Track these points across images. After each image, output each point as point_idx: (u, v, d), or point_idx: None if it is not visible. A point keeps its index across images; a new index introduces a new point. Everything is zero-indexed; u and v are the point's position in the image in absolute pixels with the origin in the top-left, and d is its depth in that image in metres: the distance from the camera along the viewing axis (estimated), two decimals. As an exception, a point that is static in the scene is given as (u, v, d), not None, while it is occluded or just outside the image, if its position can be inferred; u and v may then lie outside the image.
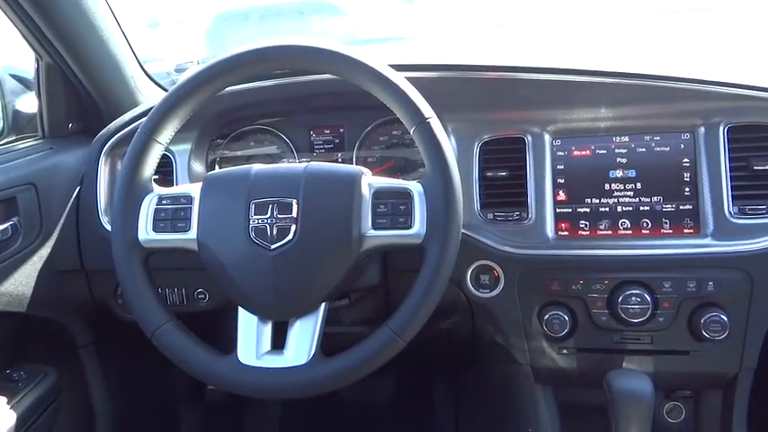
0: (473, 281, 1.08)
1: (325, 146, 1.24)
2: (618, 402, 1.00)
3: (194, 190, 0.93)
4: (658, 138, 1.07)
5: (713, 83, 1.07)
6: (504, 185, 1.09)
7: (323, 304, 0.88)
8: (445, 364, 1.57)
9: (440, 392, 1.68)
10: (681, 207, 1.05)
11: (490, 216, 1.09)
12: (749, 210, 1.02)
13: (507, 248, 1.06)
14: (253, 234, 0.87)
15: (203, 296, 1.16)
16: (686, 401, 1.19)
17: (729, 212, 1.02)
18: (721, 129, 1.05)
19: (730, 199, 1.02)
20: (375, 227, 0.87)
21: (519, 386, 1.20)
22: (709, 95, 1.07)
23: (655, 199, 1.06)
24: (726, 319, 1.01)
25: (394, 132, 1.20)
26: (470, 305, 1.11)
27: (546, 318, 1.07)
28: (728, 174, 1.03)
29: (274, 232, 0.86)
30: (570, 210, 1.08)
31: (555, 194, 1.08)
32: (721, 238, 1.02)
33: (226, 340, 0.90)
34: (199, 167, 1.22)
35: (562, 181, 1.09)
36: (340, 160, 1.22)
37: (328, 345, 0.87)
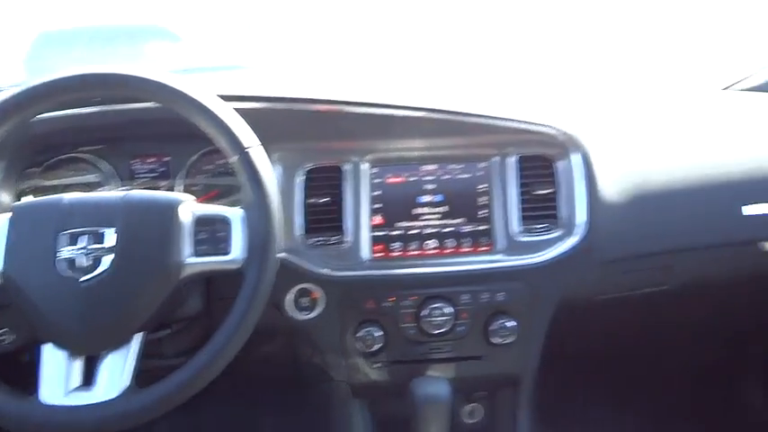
0: (293, 304, 1.12)
1: (149, 174, 1.22)
2: (419, 407, 1.09)
3: (1, 221, 0.88)
4: (461, 166, 1.18)
5: (506, 119, 1.20)
6: (324, 212, 1.15)
7: (138, 335, 0.87)
8: (269, 386, 1.60)
9: (263, 415, 1.69)
10: (479, 227, 1.16)
11: (311, 241, 1.14)
12: (533, 229, 1.16)
13: (326, 271, 1.12)
14: (63, 266, 0.84)
15: (7, 336, 1.08)
16: (483, 402, 1.31)
17: (517, 231, 1.16)
18: (512, 159, 1.18)
19: (518, 219, 1.16)
20: (196, 254, 0.88)
21: (337, 402, 1.26)
22: (502, 129, 1.19)
23: (458, 221, 1.17)
24: (514, 324, 1.14)
25: (220, 161, 1.22)
26: (291, 327, 1.15)
27: (361, 335, 1.14)
28: (518, 197, 1.17)
29: (87, 263, 0.84)
30: (385, 233, 1.16)
31: (371, 219, 1.16)
32: (510, 253, 1.15)
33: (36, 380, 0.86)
34: (7, 199, 1.14)
35: (378, 206, 1.16)
36: (164, 189, 1.21)
37: (152, 378, 0.86)
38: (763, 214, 1.25)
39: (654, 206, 1.22)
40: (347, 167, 1.17)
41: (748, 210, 1.25)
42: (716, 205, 1.26)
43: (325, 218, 1.15)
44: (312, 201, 1.16)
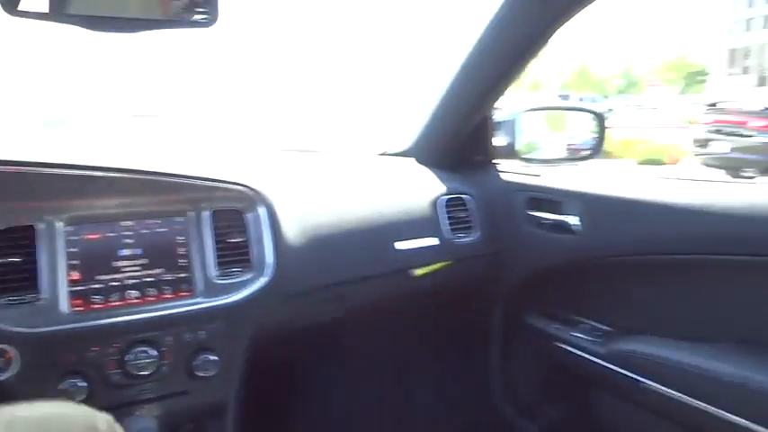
0: None
1: None
2: None
3: None
4: (159, 221, 1.28)
5: (200, 177, 1.33)
6: (16, 270, 1.13)
7: None
8: None
9: None
10: (179, 275, 1.27)
11: (3, 300, 1.11)
12: (229, 272, 1.31)
13: (20, 329, 1.10)
14: None
15: None
16: None
17: (215, 275, 1.29)
18: (207, 213, 1.32)
19: (215, 265, 1.30)
20: None
21: None
22: (196, 187, 1.32)
23: (158, 271, 1.25)
24: (215, 359, 1.27)
25: None
26: None
27: (63, 387, 1.14)
28: (214, 246, 1.31)
29: None
30: (84, 287, 1.18)
31: (69, 275, 1.17)
32: (209, 296, 1.27)
33: None
34: None
35: (76, 262, 1.18)
36: None
37: None
38: (409, 249, 1.63)
39: (328, 247, 1.49)
40: (41, 226, 1.17)
41: (399, 245, 1.62)
42: (375, 243, 1.59)
43: (16, 277, 1.14)
44: (1, 261, 1.13)
